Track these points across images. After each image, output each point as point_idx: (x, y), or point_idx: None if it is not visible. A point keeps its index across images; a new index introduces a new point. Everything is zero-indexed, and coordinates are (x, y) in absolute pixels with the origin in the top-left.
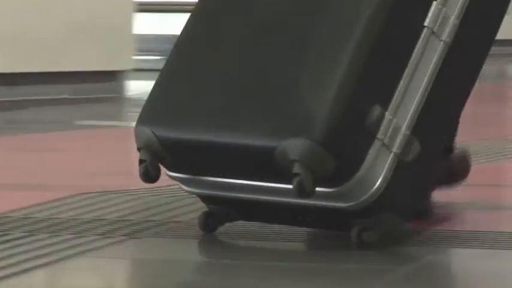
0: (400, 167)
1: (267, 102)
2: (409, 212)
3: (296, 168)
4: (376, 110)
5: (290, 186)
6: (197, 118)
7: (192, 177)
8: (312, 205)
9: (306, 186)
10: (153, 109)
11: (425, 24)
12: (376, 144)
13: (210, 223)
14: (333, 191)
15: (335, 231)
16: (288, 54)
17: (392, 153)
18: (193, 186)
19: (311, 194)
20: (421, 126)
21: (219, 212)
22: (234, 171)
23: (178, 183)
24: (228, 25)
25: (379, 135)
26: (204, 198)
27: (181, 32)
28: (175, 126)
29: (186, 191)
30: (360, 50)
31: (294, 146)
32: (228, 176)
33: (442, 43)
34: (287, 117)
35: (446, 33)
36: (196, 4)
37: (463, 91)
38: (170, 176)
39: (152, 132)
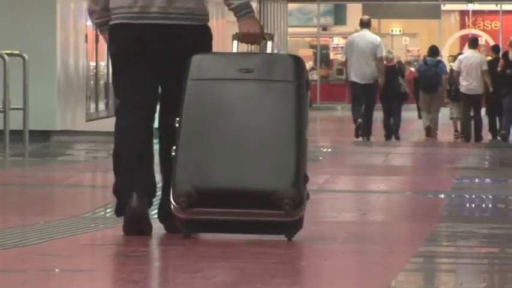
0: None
1: (262, 165)
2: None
3: (287, 201)
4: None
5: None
6: (219, 172)
7: (207, 209)
8: (262, 220)
9: (292, 209)
10: (187, 171)
11: None
12: (306, 190)
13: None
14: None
15: (271, 234)
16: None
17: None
18: (203, 215)
19: (292, 213)
20: None
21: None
22: (236, 203)
23: (187, 215)
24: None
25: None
26: (200, 222)
27: (185, 112)
28: (208, 180)
29: (189, 219)
30: (299, 138)
31: (288, 190)
32: (230, 207)
33: None
34: (279, 176)
35: None
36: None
37: None
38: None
39: (192, 187)
